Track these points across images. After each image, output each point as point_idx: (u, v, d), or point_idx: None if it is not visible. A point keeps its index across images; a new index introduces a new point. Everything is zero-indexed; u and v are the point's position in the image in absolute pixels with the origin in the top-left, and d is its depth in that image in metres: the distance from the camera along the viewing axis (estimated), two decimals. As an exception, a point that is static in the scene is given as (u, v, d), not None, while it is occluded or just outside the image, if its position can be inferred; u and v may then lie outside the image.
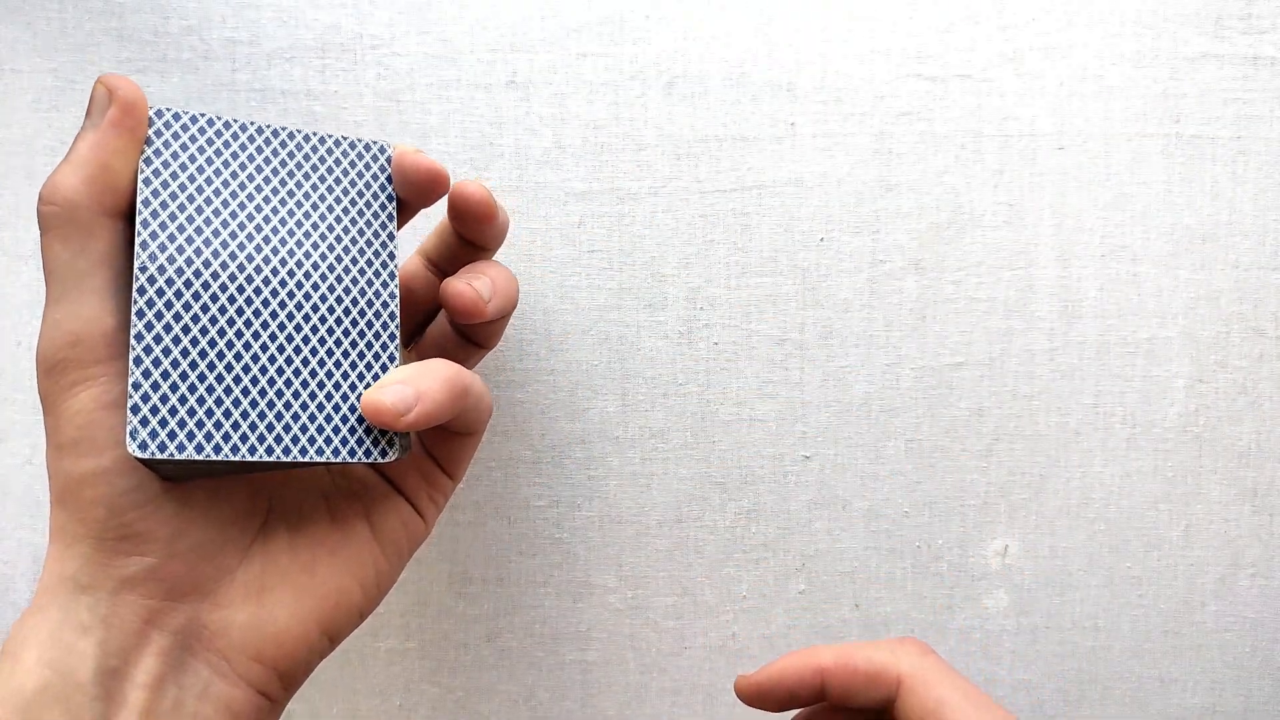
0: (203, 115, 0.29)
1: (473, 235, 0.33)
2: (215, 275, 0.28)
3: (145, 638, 0.27)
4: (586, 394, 0.40)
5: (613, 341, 0.40)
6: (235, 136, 0.30)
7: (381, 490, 0.33)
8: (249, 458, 0.28)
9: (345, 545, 0.31)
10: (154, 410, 0.27)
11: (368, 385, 0.30)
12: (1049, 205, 0.40)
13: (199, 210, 0.28)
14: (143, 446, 0.26)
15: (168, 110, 0.29)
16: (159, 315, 0.27)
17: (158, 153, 0.28)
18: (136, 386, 0.27)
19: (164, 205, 0.28)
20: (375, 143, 0.32)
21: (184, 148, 0.29)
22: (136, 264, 0.27)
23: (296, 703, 0.40)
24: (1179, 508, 0.41)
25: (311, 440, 0.29)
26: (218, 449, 0.27)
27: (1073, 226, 0.40)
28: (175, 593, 0.27)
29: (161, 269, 0.27)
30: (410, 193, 0.32)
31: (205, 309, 0.28)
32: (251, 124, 0.30)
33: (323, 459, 0.29)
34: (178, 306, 0.27)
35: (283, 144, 0.30)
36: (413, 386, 0.29)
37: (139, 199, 0.28)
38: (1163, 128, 0.40)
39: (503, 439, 0.40)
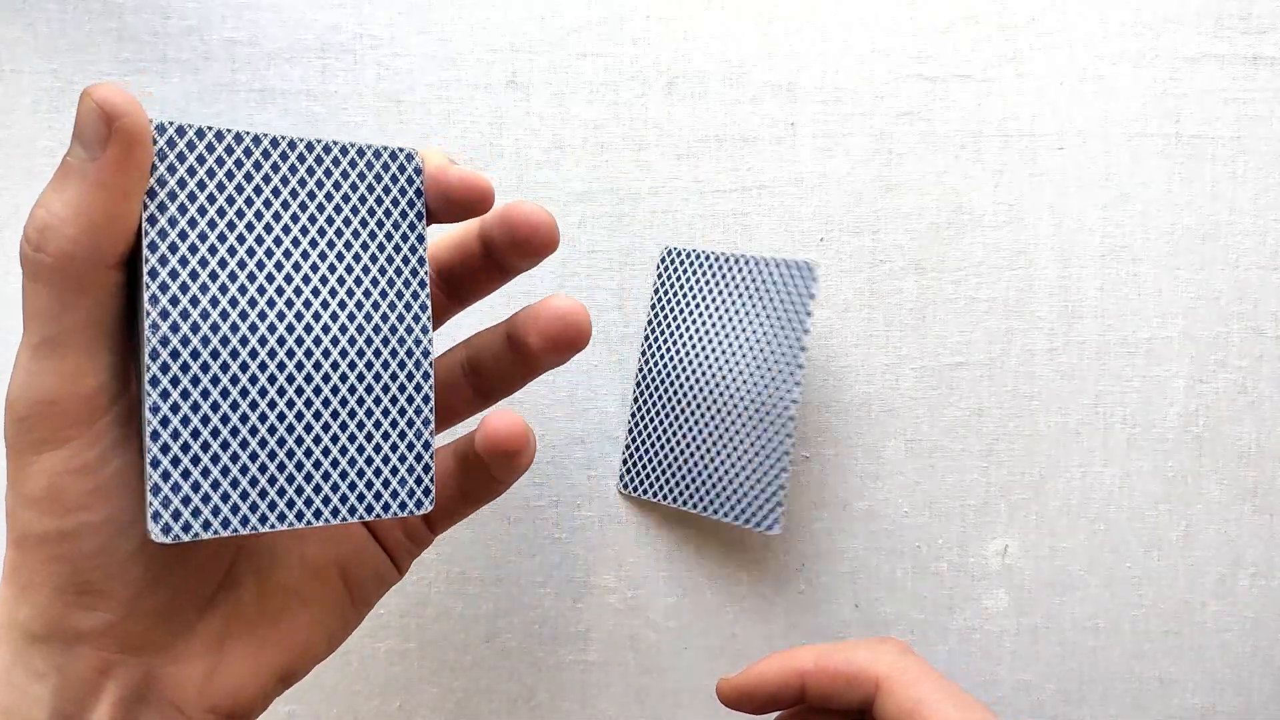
0: (210, 129, 0.25)
1: (517, 262, 0.30)
2: (235, 328, 0.25)
3: (100, 687, 0.26)
4: (586, 394, 0.40)
5: (613, 341, 0.40)
6: (248, 153, 0.26)
7: (358, 540, 0.31)
8: (279, 526, 0.26)
9: (316, 594, 0.30)
10: (175, 489, 0.24)
11: (399, 430, 0.28)
12: (1049, 205, 0.40)
13: (212, 251, 0.25)
14: (166, 530, 0.24)
15: (170, 125, 0.25)
16: (175, 381, 0.24)
17: (162, 181, 0.24)
18: (155, 464, 0.24)
19: (173, 248, 0.25)
20: (401, 150, 0.28)
21: (191, 172, 0.25)
22: (147, 323, 0.24)
23: (296, 704, 0.40)
24: (1179, 508, 0.41)
25: (344, 499, 0.27)
26: (245, 521, 0.25)
27: (1072, 226, 0.40)
28: (132, 648, 0.26)
29: (175, 327, 0.24)
30: (446, 209, 0.29)
31: (225, 368, 0.25)
32: (265, 136, 0.26)
33: (355, 518, 0.27)
34: (195, 369, 0.25)
35: (300, 158, 0.27)
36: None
37: (144, 242, 0.24)
38: (1163, 128, 0.40)
39: (503, 439, 0.40)
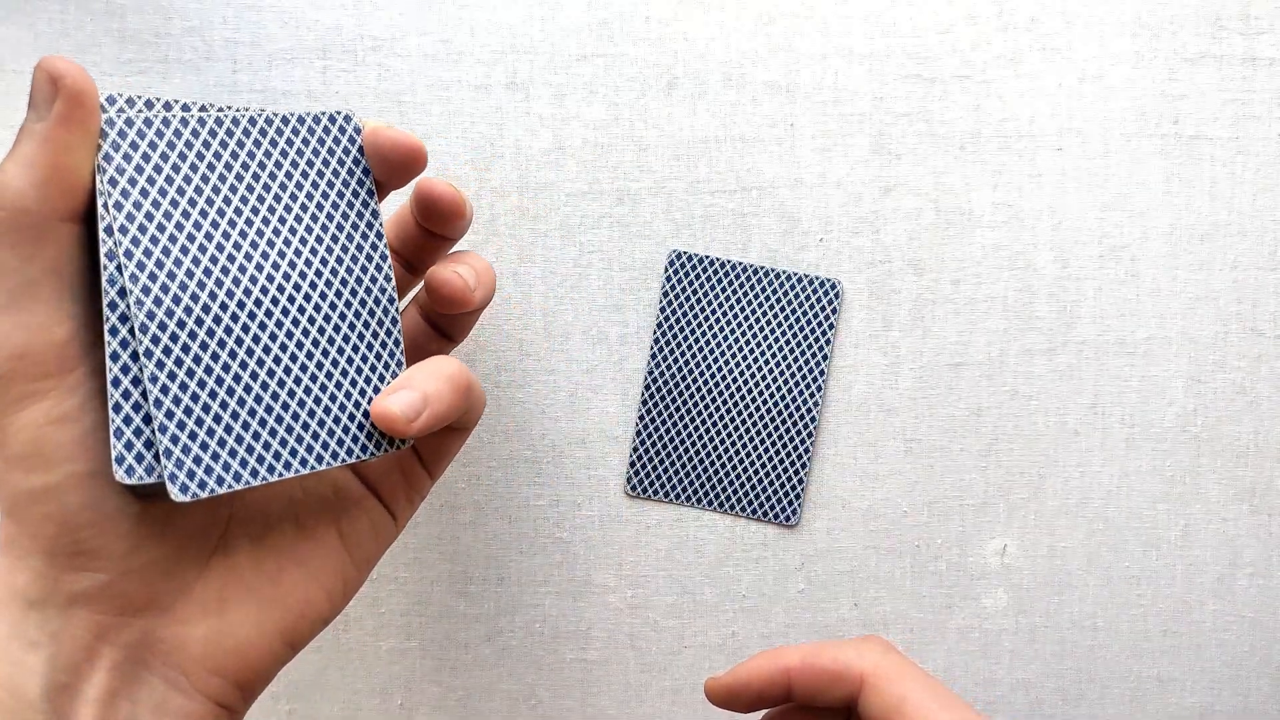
0: (158, 100, 0.26)
1: (439, 230, 0.32)
2: (190, 275, 0.26)
3: (96, 653, 0.26)
4: (586, 394, 0.40)
5: (612, 341, 0.40)
6: (203, 122, 0.27)
7: (354, 493, 0.31)
8: (269, 479, 0.26)
9: (312, 553, 0.30)
10: (138, 433, 0.25)
11: (379, 374, 0.29)
12: (1048, 206, 0.40)
13: (168, 211, 0.26)
14: (130, 472, 0.25)
15: (120, 96, 0.26)
16: (133, 331, 0.25)
17: (115, 146, 0.25)
18: (117, 409, 0.25)
19: (130, 207, 0.25)
20: (339, 113, 0.29)
21: (141, 135, 0.26)
22: (105, 276, 0.25)
23: (298, 702, 0.40)
24: (1177, 507, 0.41)
25: (318, 442, 0.27)
26: (237, 477, 0.26)
27: (1071, 227, 0.40)
28: (129, 608, 0.26)
29: (134, 278, 0.25)
30: (385, 171, 0.30)
31: (185, 317, 0.26)
32: (212, 106, 0.27)
33: (337, 462, 0.28)
34: (158, 318, 0.25)
35: (252, 122, 0.28)
36: (419, 391, 0.28)
37: (100, 202, 0.25)
38: (1161, 128, 0.40)
39: (503, 439, 0.40)
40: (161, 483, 0.25)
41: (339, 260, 0.29)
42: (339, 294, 0.28)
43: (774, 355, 0.40)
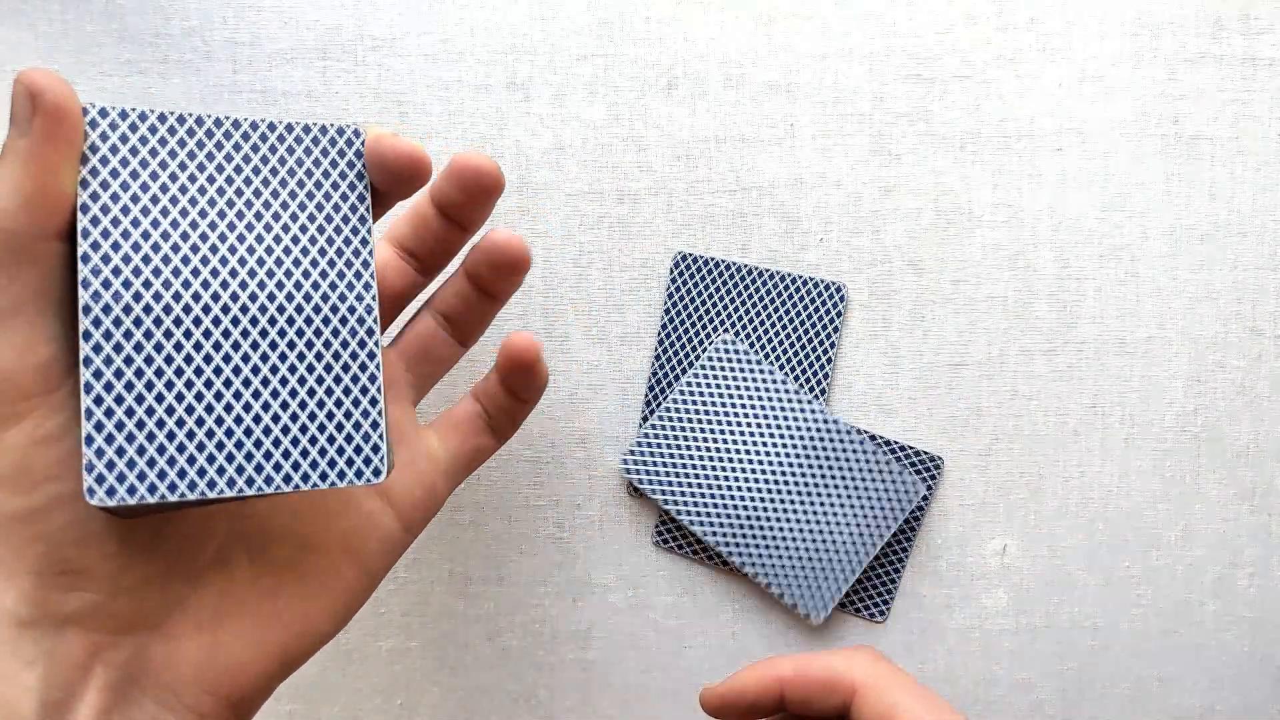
0: (152, 112, 0.26)
1: (471, 213, 0.31)
2: (177, 297, 0.25)
3: (90, 672, 0.25)
4: (586, 394, 0.40)
5: (613, 341, 0.40)
6: (191, 133, 0.26)
7: (364, 506, 0.30)
8: (227, 492, 0.25)
9: (315, 568, 0.29)
10: (120, 453, 0.24)
11: (351, 397, 0.27)
12: (1047, 206, 0.40)
13: (152, 226, 0.25)
14: (110, 493, 0.24)
15: (113, 109, 0.25)
16: (117, 350, 0.25)
17: (104, 160, 0.25)
18: (99, 428, 0.24)
19: (114, 224, 0.25)
20: (348, 127, 0.28)
21: (133, 152, 0.25)
22: (84, 295, 0.24)
23: (297, 703, 0.40)
24: (1177, 507, 0.41)
25: (296, 466, 0.26)
26: (192, 486, 0.25)
27: (1071, 227, 0.40)
28: (122, 627, 0.26)
29: (117, 296, 0.25)
30: (388, 181, 0.29)
31: (168, 336, 0.25)
32: (208, 117, 0.27)
33: (308, 485, 0.26)
34: (136, 338, 0.25)
35: (245, 136, 0.27)
36: None
37: (81, 219, 0.25)
38: (1161, 128, 0.40)
39: (503, 439, 0.40)
40: (143, 504, 0.25)
41: (323, 275, 0.28)
42: (318, 309, 0.27)
43: (778, 358, 0.40)
